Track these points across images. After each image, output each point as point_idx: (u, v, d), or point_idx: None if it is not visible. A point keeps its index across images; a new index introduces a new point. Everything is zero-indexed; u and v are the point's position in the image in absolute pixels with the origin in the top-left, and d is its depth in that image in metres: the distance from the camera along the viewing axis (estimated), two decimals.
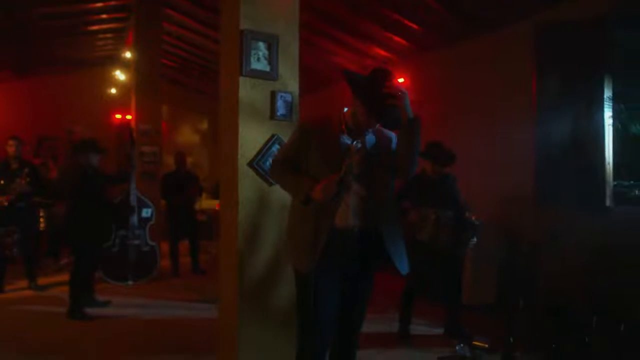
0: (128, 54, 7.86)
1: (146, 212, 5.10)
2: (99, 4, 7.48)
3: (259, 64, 2.76)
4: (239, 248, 2.75)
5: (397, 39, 6.25)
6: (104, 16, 8.00)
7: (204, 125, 11.49)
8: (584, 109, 4.48)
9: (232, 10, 2.81)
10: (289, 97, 2.85)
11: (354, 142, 2.22)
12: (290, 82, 2.88)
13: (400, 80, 6.70)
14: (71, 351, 3.76)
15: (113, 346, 3.91)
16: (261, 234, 2.79)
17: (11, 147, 5.44)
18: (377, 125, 2.26)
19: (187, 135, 11.21)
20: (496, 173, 5.05)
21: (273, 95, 2.81)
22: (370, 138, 2.29)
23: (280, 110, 2.82)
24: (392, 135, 2.36)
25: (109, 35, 8.91)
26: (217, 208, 8.19)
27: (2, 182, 5.21)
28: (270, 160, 2.72)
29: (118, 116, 10.36)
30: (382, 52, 6.76)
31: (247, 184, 2.74)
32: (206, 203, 7.33)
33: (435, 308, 4.46)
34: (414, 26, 5.81)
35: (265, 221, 2.78)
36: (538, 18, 4.75)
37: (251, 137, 2.76)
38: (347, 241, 2.19)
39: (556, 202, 4.54)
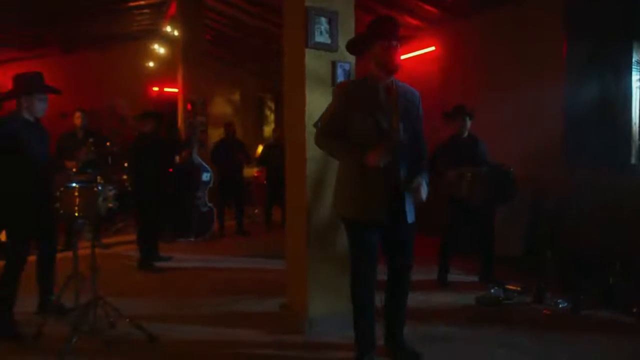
0: (168, 28, 8.23)
1: (206, 176, 5.59)
2: None
3: (322, 37, 3.14)
4: (308, 196, 3.19)
5: (427, 7, 6.46)
6: None
7: (236, 96, 11.89)
8: (612, 72, 4.74)
9: None
10: (347, 66, 3.24)
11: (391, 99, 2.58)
12: (347, 53, 3.24)
13: (431, 48, 6.97)
14: (150, 292, 4.32)
15: (184, 288, 4.46)
16: (325, 186, 3.22)
17: (78, 119, 5.96)
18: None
19: (221, 106, 11.63)
20: (528, 135, 5.36)
21: (334, 64, 3.20)
22: (399, 87, 2.63)
23: (340, 77, 3.21)
24: (415, 93, 2.71)
25: (146, 10, 9.26)
26: (255, 174, 8.71)
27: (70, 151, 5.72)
28: None
29: (155, 89, 10.82)
30: (413, 21, 6.98)
31: (314, 143, 3.15)
32: (245, 171, 7.81)
33: (468, 261, 4.88)
34: None
35: (329, 175, 3.20)
36: None
37: (316, 101, 3.16)
38: (400, 191, 2.58)
39: (584, 159, 4.84)
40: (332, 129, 2.62)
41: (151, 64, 10.47)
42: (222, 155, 6.87)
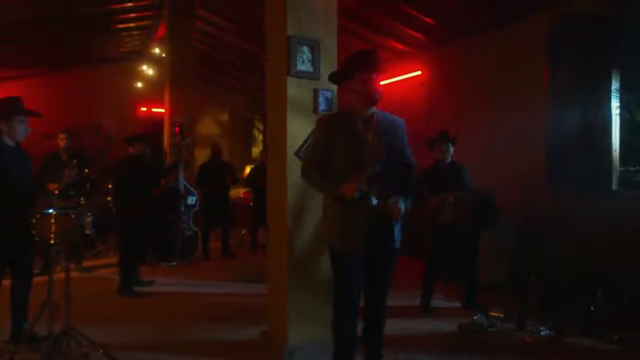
0: (157, 50, 8.27)
1: (191, 200, 5.56)
2: (130, 4, 7.91)
3: (304, 65, 3.16)
4: (289, 226, 3.17)
5: (413, 32, 6.58)
6: (133, 15, 8.43)
7: (225, 117, 11.92)
8: (592, 99, 4.82)
9: (278, 18, 3.21)
10: (329, 94, 3.26)
11: (368, 131, 2.60)
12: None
13: (418, 72, 7.06)
14: (127, 318, 4.23)
15: (164, 314, 4.38)
16: (307, 213, 3.21)
17: (62, 141, 5.94)
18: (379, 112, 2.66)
19: (209, 126, 11.64)
20: (510, 160, 5.42)
21: (315, 92, 3.22)
22: (380, 118, 2.65)
23: (322, 105, 3.23)
24: (399, 122, 2.74)
25: (135, 32, 9.34)
26: (242, 196, 8.67)
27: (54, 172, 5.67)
28: None
29: (143, 109, 10.82)
30: (399, 45, 7.09)
31: (295, 169, 3.14)
32: (232, 192, 7.77)
33: (453, 286, 4.87)
34: (429, 20, 6.14)
35: (310, 201, 3.19)
36: (550, 12, 5.07)
37: (297, 130, 3.17)
38: (376, 219, 2.57)
39: (566, 186, 4.88)
40: (314, 161, 2.66)
41: (139, 85, 10.50)
42: (208, 177, 6.85)
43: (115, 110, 10.31)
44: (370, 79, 2.56)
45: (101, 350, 3.04)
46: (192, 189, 5.54)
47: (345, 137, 2.56)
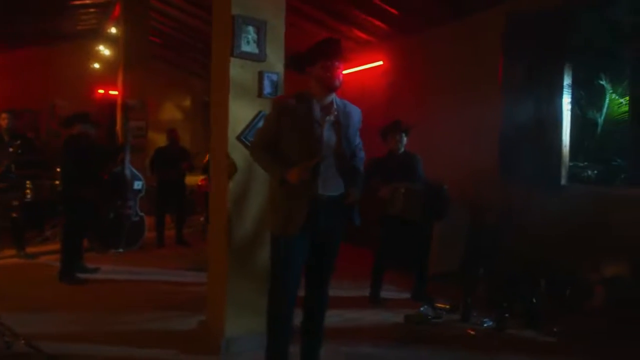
0: (113, 29, 7.95)
1: (138, 185, 5.36)
2: None
3: (248, 46, 3.04)
4: (230, 213, 3.07)
5: (376, 21, 6.51)
6: None
7: (187, 102, 11.63)
8: (545, 94, 4.87)
9: None
10: (274, 77, 3.15)
11: (326, 117, 2.56)
12: (276, 63, 3.17)
13: (379, 62, 7.01)
14: (66, 306, 4.05)
15: (105, 302, 4.22)
16: (249, 200, 3.11)
17: (4, 120, 5.62)
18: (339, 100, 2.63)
19: (170, 111, 11.35)
20: (466, 151, 5.45)
21: (260, 75, 3.10)
22: (339, 106, 2.62)
23: (267, 89, 3.12)
24: (356, 111, 2.70)
25: (92, 10, 8.94)
26: (199, 183, 8.47)
27: None
28: None
29: (101, 91, 10.43)
30: (362, 35, 7.02)
31: (236, 155, 3.04)
32: (189, 179, 7.58)
33: (403, 276, 4.87)
34: (392, 10, 6.08)
35: (253, 188, 3.09)
36: (509, 5, 5.08)
37: (240, 113, 3.05)
38: (319, 206, 2.53)
39: (517, 179, 4.93)
40: (265, 142, 2.61)
41: (96, 66, 10.11)
42: (163, 162, 6.66)
43: (71, 92, 9.90)
44: (332, 66, 2.51)
45: (23, 341, 2.87)
46: (138, 173, 5.34)
47: (299, 121, 2.51)
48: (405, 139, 4.42)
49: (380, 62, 6.99)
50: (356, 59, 7.14)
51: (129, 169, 5.24)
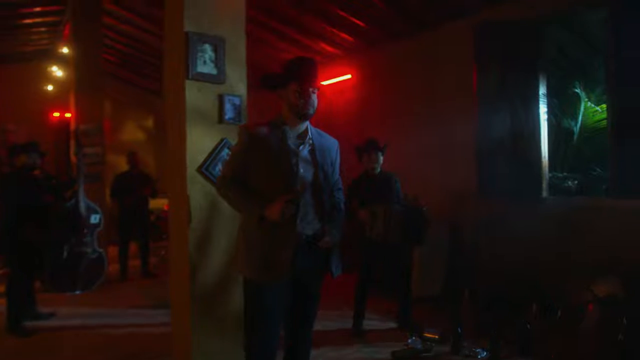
0: (65, 49, 7.48)
1: (94, 219, 4.89)
2: None
3: (206, 67, 2.72)
4: (191, 255, 2.71)
5: (342, 34, 6.30)
6: (38, 9, 7.59)
7: (149, 122, 11.14)
8: (521, 104, 4.71)
9: (175, 11, 2.75)
10: (237, 100, 2.83)
11: (300, 146, 2.27)
12: (238, 84, 2.85)
13: (347, 76, 6.78)
14: None
15: (60, 356, 3.77)
16: (213, 240, 2.76)
17: None
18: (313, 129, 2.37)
19: (132, 132, 10.84)
20: (440, 167, 5.24)
21: (221, 98, 2.78)
22: (315, 135, 2.34)
23: (229, 113, 2.80)
24: (333, 143, 2.43)
25: (43, 29, 8.45)
26: (165, 208, 8.02)
27: None
28: (220, 165, 2.71)
29: (56, 114, 9.88)
30: (328, 48, 6.80)
31: (197, 189, 2.70)
32: (154, 203, 7.13)
33: (386, 302, 4.59)
34: (359, 22, 5.88)
35: (217, 227, 2.75)
36: (477, 17, 4.93)
37: (199, 142, 2.72)
38: (300, 249, 2.22)
39: (495, 193, 4.75)
40: (233, 177, 2.29)
41: (50, 88, 9.56)
42: (123, 189, 6.25)
43: (23, 116, 9.33)
44: (304, 92, 2.23)
45: None
46: (94, 206, 4.89)
47: (272, 151, 2.22)
48: (381, 159, 4.16)
49: (349, 76, 6.78)
50: (324, 73, 6.90)
51: (83, 202, 4.79)
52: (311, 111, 2.27)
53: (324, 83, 6.95)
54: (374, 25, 5.94)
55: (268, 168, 2.24)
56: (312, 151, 2.32)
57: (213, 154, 2.74)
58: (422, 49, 5.66)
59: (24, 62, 9.45)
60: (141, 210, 6.44)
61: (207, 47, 2.71)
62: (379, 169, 4.17)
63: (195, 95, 2.69)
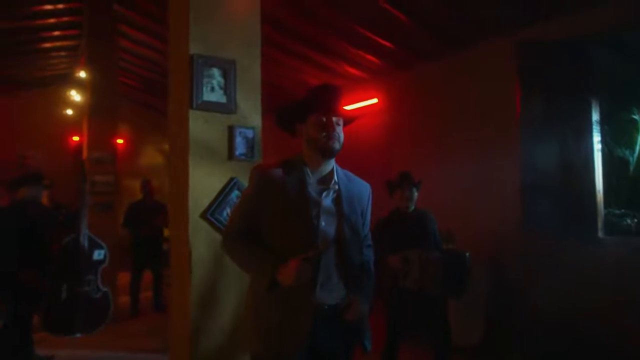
0: (82, 74, 7.30)
1: (98, 255, 4.50)
2: (52, 20, 6.96)
3: (213, 94, 2.32)
4: (193, 315, 2.27)
5: (368, 56, 5.92)
6: (57, 33, 7.47)
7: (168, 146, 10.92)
8: (570, 132, 4.21)
9: (179, 30, 2.37)
10: (250, 133, 2.41)
11: (323, 193, 1.84)
12: (251, 115, 2.44)
13: (373, 100, 6.37)
14: None
15: None
16: (219, 298, 2.32)
17: None
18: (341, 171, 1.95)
19: (151, 156, 10.64)
20: (479, 201, 4.72)
21: (231, 131, 2.37)
22: (342, 179, 1.90)
23: (240, 148, 2.38)
24: (363, 188, 1.99)
25: (62, 53, 8.35)
26: None
27: None
28: (229, 209, 2.28)
29: (76, 138, 9.74)
30: (353, 70, 6.42)
31: (200, 239, 2.27)
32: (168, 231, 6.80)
33: (419, 353, 4.05)
34: (387, 43, 5.49)
35: (223, 283, 2.32)
36: (516, 34, 4.48)
37: (205, 183, 2.30)
38: (317, 319, 1.77)
39: (544, 231, 4.23)
40: (241, 229, 1.87)
41: (69, 112, 9.44)
42: (136, 219, 5.97)
43: (43, 141, 9.26)
44: (327, 124, 1.83)
45: None
46: (99, 241, 4.52)
47: (288, 199, 1.81)
48: (416, 194, 3.67)
49: (375, 100, 6.36)
50: (347, 98, 6.50)
51: (85, 237, 4.42)
52: (336, 146, 1.85)
53: (347, 108, 6.54)
54: (402, 46, 5.54)
55: (283, 220, 1.81)
56: (337, 199, 1.88)
57: (220, 197, 2.32)
58: (456, 71, 5.21)
59: (44, 87, 9.39)
60: (155, 239, 6.15)
61: (215, 71, 2.32)
62: (412, 207, 3.68)
63: (200, 128, 2.29)
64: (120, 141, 9.79)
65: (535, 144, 4.23)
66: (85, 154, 5.93)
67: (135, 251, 6.03)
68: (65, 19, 6.95)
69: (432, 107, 5.51)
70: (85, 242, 4.39)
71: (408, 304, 3.54)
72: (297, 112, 1.89)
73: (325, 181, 1.89)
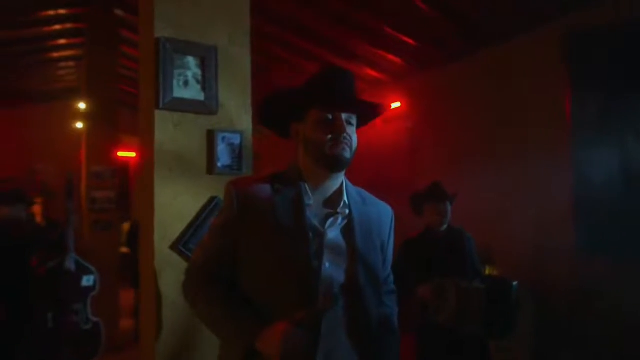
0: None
1: (87, 280, 4.01)
2: (57, 27, 6.64)
3: (187, 90, 1.78)
4: None
5: (390, 56, 5.36)
6: (63, 41, 7.16)
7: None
8: (633, 134, 3.55)
9: (146, 9, 1.86)
10: (236, 139, 1.86)
11: (328, 221, 1.28)
12: (238, 116, 1.90)
13: (396, 104, 5.80)
14: None
15: None
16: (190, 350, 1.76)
17: None
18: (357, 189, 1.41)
19: None
20: (522, 217, 4.07)
21: (211, 136, 1.82)
22: (354, 201, 1.34)
23: (223, 159, 1.83)
24: (384, 212, 1.42)
25: (70, 63, 8.05)
26: None
27: None
28: None
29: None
30: (373, 73, 5.87)
31: (171, 278, 1.72)
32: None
33: None
34: (410, 41, 4.92)
35: (200, 341, 1.76)
36: (558, 24, 3.86)
37: (175, 205, 1.76)
38: None
39: (601, 252, 3.58)
40: (210, 271, 1.32)
41: (80, 125, 9.15)
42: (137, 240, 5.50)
43: (53, 155, 9.01)
44: (331, 123, 1.28)
45: None
46: (87, 265, 4.02)
47: (278, 230, 1.25)
48: (450, 209, 3.06)
49: (398, 104, 5.79)
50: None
51: (72, 261, 3.94)
52: (346, 155, 1.28)
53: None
54: (428, 44, 4.96)
55: (268, 260, 1.25)
56: (348, 229, 1.31)
57: (197, 222, 1.77)
58: (491, 68, 4.59)
59: (53, 100, 9.14)
60: None
61: (190, 60, 1.79)
62: (446, 225, 3.07)
63: (169, 133, 1.75)
64: (132, 154, 9.48)
65: (590, 149, 3.60)
66: (84, 166, 5.53)
67: (137, 274, 5.56)
68: (69, 25, 6.62)
69: (463, 111, 4.89)
70: (72, 267, 3.91)
71: (442, 345, 2.91)
72: (292, 105, 1.33)
73: (332, 203, 1.33)
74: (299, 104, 1.31)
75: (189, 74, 1.78)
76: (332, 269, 1.27)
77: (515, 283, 2.79)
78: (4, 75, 7.61)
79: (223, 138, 1.82)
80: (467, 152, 4.70)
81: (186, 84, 1.77)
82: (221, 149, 1.81)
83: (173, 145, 1.74)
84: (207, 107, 1.81)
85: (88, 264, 4.03)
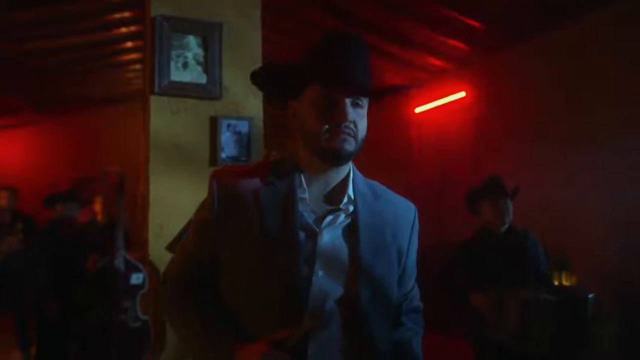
0: None
1: (137, 278, 4.00)
2: (123, 29, 6.88)
3: (187, 72, 1.60)
4: None
5: (452, 41, 4.94)
6: (129, 44, 7.41)
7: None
8: None
9: None
10: (243, 127, 1.64)
11: (326, 219, 1.02)
12: (246, 100, 1.68)
13: (461, 94, 5.37)
14: None
15: None
16: None
17: (2, 199, 4.75)
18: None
19: None
20: (602, 216, 3.52)
21: (214, 123, 1.62)
22: (363, 195, 1.09)
23: (229, 149, 1.63)
24: (404, 210, 1.13)
25: (137, 66, 8.35)
26: None
27: None
28: None
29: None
30: (435, 61, 5.46)
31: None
32: None
33: None
34: (475, 23, 4.49)
35: None
36: None
37: (174, 199, 1.57)
38: None
39: None
40: (190, 276, 1.12)
41: None
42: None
43: (127, 157, 9.44)
44: (331, 106, 1.00)
45: None
46: (136, 263, 4.02)
47: (263, 229, 1.02)
48: (510, 207, 2.65)
49: (462, 94, 5.37)
50: (428, 93, 5.56)
51: (121, 259, 3.96)
52: (347, 147, 1.00)
53: (428, 106, 5.61)
54: (495, 25, 4.51)
55: (249, 265, 1.02)
56: (351, 230, 1.05)
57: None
58: (568, 49, 4.06)
59: (125, 103, 9.58)
60: None
61: (191, 40, 1.59)
62: (507, 225, 2.66)
63: (167, 120, 1.57)
64: None
65: None
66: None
67: None
68: (133, 28, 6.83)
69: (537, 97, 4.38)
70: (121, 265, 3.93)
71: None
72: (289, 79, 1.07)
73: (334, 198, 1.06)
74: (295, 79, 1.05)
75: (189, 54, 1.59)
76: (326, 280, 1.01)
77: (591, 295, 2.34)
78: (76, 81, 8.00)
79: (228, 125, 1.61)
80: (539, 143, 4.20)
81: (185, 65, 1.58)
82: (226, 138, 1.60)
83: (170, 133, 1.56)
84: (209, 91, 1.61)
85: (137, 262, 4.04)
